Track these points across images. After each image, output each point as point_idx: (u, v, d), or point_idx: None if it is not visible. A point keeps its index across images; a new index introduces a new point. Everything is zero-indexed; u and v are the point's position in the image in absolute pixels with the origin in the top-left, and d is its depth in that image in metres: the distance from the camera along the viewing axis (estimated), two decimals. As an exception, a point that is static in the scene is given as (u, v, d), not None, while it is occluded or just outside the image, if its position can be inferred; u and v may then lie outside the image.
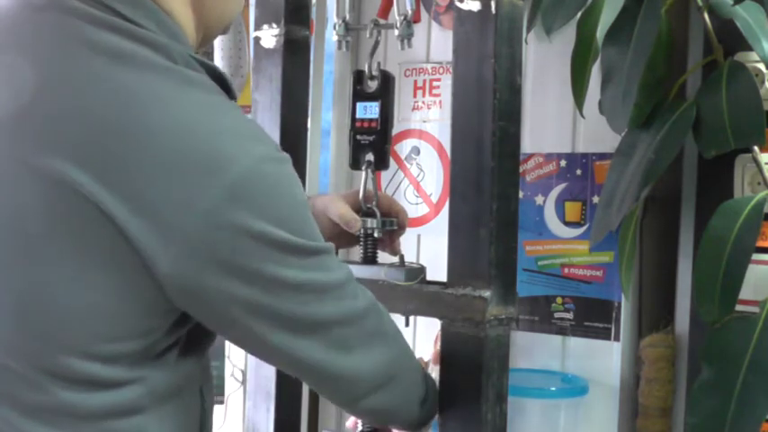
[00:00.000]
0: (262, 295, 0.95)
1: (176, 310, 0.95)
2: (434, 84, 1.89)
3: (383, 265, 1.36)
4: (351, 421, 1.38)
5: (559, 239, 1.71)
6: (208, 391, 1.06)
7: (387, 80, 1.39)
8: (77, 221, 0.89)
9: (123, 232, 0.88)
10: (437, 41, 1.89)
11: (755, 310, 1.29)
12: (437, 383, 1.26)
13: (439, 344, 1.31)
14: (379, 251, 1.42)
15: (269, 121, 1.52)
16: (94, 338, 0.92)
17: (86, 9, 0.94)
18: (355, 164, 1.40)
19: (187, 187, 0.89)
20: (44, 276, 0.91)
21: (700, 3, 1.38)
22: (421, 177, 1.91)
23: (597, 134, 1.62)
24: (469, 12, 1.24)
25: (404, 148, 1.92)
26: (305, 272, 0.98)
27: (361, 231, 1.38)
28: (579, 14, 1.44)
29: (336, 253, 1.44)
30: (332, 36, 1.47)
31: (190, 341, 1.00)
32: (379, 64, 1.39)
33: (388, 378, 1.12)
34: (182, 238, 0.89)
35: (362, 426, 1.37)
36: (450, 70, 1.30)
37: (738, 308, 1.28)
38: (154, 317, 0.94)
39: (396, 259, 1.36)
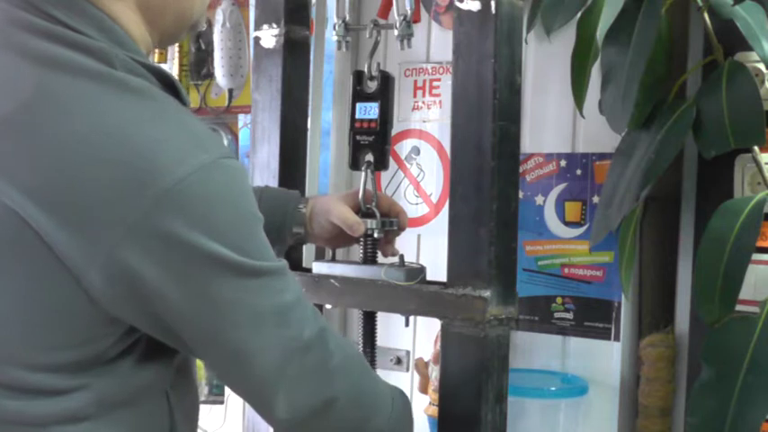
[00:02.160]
0: (193, 311, 0.93)
1: (121, 320, 0.93)
2: (434, 84, 1.88)
3: (383, 264, 1.36)
4: None
5: (559, 239, 1.71)
6: (180, 396, 1.03)
7: (386, 81, 1.39)
8: (6, 234, 0.89)
9: (50, 246, 0.88)
10: (437, 41, 1.89)
11: (755, 310, 1.29)
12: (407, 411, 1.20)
13: (439, 344, 1.31)
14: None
15: (269, 121, 1.52)
16: (34, 348, 0.92)
17: (26, 18, 0.93)
18: (355, 164, 1.40)
19: (117, 198, 0.87)
20: None
21: (700, 3, 1.38)
22: (421, 177, 1.91)
23: (597, 134, 1.62)
24: (469, 12, 1.24)
25: (404, 148, 1.92)
26: (240, 293, 0.94)
27: (361, 231, 1.38)
28: (579, 14, 1.44)
29: (334, 255, 1.45)
30: (332, 36, 1.47)
31: (151, 348, 0.98)
32: (378, 65, 1.39)
33: (325, 412, 1.04)
34: (109, 250, 0.87)
35: None
36: (450, 70, 1.29)
37: (738, 308, 1.28)
38: (94, 326, 0.92)
39: (396, 259, 1.36)
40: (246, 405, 1.56)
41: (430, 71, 1.89)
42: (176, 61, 2.14)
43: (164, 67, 2.04)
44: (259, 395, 1.02)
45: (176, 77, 2.08)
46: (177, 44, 2.12)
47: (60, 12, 0.93)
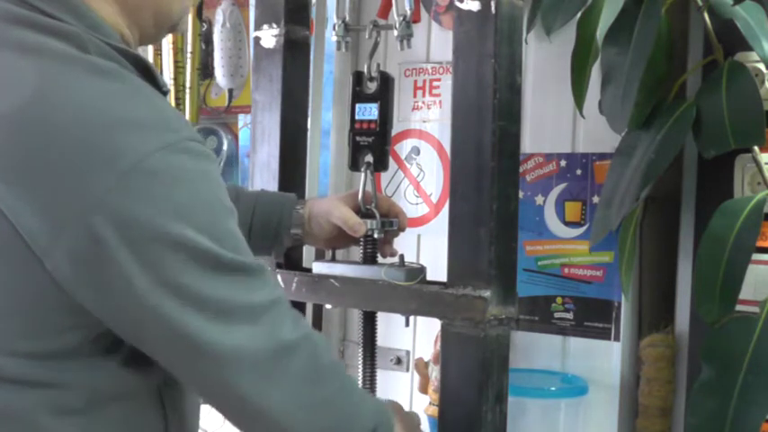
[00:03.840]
0: (156, 300, 0.89)
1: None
2: (434, 84, 1.88)
3: (383, 265, 1.36)
4: None
5: (559, 239, 1.71)
6: (174, 397, 1.02)
7: (386, 82, 1.39)
8: None
9: (18, 229, 0.87)
10: (437, 41, 1.89)
11: (755, 310, 1.29)
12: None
13: (439, 344, 1.31)
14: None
15: (269, 121, 1.52)
16: (13, 335, 0.91)
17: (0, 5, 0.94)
18: (354, 165, 1.40)
19: (80, 178, 0.87)
20: None
21: (700, 3, 1.38)
22: (421, 177, 1.91)
23: (597, 134, 1.62)
24: (469, 12, 1.23)
25: (404, 148, 1.92)
26: (209, 283, 0.90)
27: (362, 232, 1.38)
28: (579, 14, 1.44)
29: (334, 255, 1.45)
30: (332, 36, 1.47)
31: None
32: (378, 65, 1.39)
33: (322, 409, 1.00)
34: (73, 231, 0.86)
35: None
36: (450, 70, 1.29)
37: (738, 308, 1.28)
38: (67, 314, 0.91)
39: (396, 259, 1.36)
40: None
41: (430, 71, 1.89)
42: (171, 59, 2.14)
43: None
44: (243, 402, 0.96)
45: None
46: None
47: None
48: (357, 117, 1.39)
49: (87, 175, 0.87)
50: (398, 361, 1.91)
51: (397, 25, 1.37)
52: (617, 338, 1.64)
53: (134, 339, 0.94)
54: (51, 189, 0.87)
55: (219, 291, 0.92)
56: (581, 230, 1.69)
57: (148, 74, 0.99)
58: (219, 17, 2.05)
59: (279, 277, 1.45)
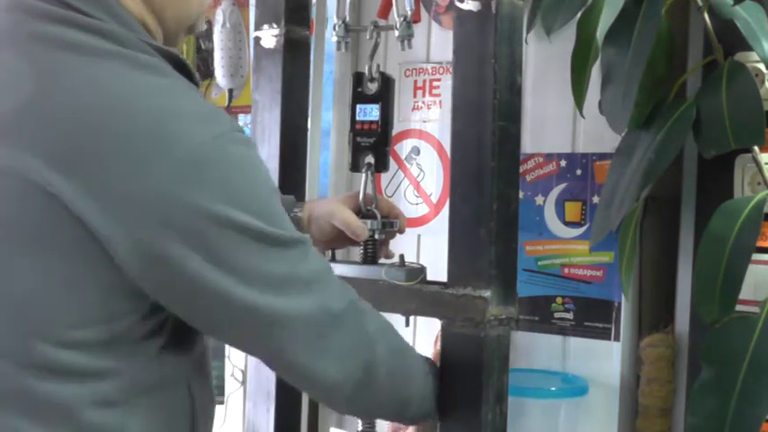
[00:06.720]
0: (218, 281, 0.93)
1: (146, 296, 0.94)
2: (434, 84, 1.88)
3: (383, 265, 1.36)
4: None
5: (559, 239, 1.71)
6: (200, 389, 1.04)
7: (386, 82, 1.38)
8: (30, 208, 0.91)
9: (77, 216, 0.89)
10: (437, 41, 1.89)
11: (755, 310, 1.29)
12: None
13: (439, 344, 1.31)
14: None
15: (269, 121, 1.52)
16: (63, 325, 0.92)
17: (38, 6, 0.96)
18: (355, 166, 1.40)
19: (136, 167, 0.90)
20: (6, 267, 0.92)
21: (700, 3, 1.38)
22: (421, 177, 1.91)
23: (597, 134, 1.62)
24: (469, 12, 1.23)
25: (404, 148, 1.92)
26: (265, 260, 0.96)
27: (362, 232, 1.38)
28: (579, 14, 1.44)
29: (333, 255, 1.45)
30: (332, 37, 1.47)
31: (175, 334, 0.99)
32: (378, 66, 1.39)
33: (370, 378, 1.09)
34: (134, 217, 0.89)
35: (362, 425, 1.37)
36: (450, 70, 1.29)
37: (738, 308, 1.28)
38: (119, 301, 0.93)
39: (396, 259, 1.36)
40: (246, 405, 1.57)
41: (430, 71, 1.89)
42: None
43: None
44: (293, 370, 1.04)
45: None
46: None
47: None
48: (358, 118, 1.39)
49: (144, 164, 0.90)
50: (398, 361, 1.91)
51: (398, 26, 1.37)
52: (617, 338, 1.64)
53: (193, 319, 0.98)
54: (110, 181, 0.90)
55: (272, 265, 0.97)
56: (581, 230, 1.69)
57: (184, 69, 1.01)
58: (219, 17, 2.05)
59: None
